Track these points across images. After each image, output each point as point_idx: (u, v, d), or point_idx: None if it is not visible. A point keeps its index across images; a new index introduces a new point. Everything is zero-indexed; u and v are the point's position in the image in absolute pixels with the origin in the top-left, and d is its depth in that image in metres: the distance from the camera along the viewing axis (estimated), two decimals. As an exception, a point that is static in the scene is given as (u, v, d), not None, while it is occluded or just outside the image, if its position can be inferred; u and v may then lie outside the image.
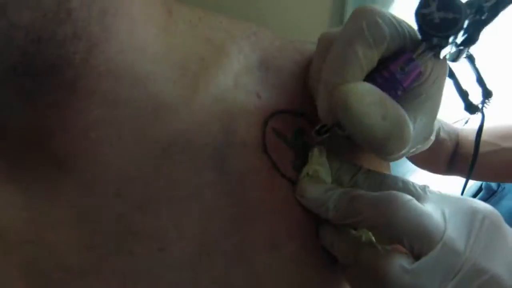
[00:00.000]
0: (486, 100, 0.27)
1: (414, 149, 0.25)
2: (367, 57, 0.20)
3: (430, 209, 0.21)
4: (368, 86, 0.19)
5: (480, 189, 1.36)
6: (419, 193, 0.23)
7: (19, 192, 0.19)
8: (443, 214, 0.21)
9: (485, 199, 1.30)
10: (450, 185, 1.38)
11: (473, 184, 1.37)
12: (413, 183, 0.24)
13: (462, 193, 0.49)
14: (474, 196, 1.39)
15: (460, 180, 1.37)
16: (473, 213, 0.21)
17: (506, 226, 0.22)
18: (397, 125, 0.19)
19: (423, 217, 0.20)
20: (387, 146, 0.20)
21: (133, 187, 0.20)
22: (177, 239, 0.20)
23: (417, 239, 0.20)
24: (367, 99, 0.19)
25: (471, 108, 0.28)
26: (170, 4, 0.23)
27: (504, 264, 0.20)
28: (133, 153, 0.20)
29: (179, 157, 0.21)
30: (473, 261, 0.19)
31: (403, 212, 0.20)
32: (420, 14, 0.21)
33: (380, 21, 0.20)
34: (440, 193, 0.23)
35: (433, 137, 0.27)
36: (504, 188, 1.24)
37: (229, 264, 0.21)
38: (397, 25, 0.21)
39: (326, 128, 0.23)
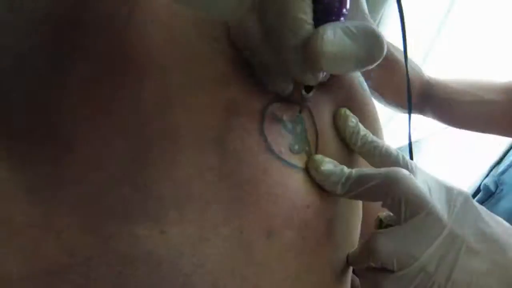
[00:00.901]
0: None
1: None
2: (306, 10, 0.20)
3: (420, 184, 0.25)
4: (327, 27, 0.20)
5: (478, 191, 1.36)
6: (412, 169, 0.28)
7: (25, 177, 0.19)
8: (429, 188, 0.26)
9: (483, 201, 1.30)
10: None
11: (472, 186, 1.37)
12: (408, 160, 0.28)
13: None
14: (473, 197, 1.39)
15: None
16: (450, 189, 0.27)
17: (474, 201, 0.27)
18: (366, 34, 0.21)
19: (419, 188, 0.25)
20: (374, 55, 0.21)
21: (137, 169, 0.20)
22: (178, 221, 0.21)
23: (412, 203, 0.24)
24: (332, 38, 0.20)
25: None
26: (173, 5, 0.24)
27: (473, 233, 0.25)
28: (137, 137, 0.21)
29: (184, 140, 0.22)
30: (450, 227, 0.25)
31: (406, 181, 0.25)
32: None
33: None
34: (424, 171, 0.28)
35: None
36: (502, 190, 1.23)
37: (229, 250, 0.22)
38: None
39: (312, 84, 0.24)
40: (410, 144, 0.45)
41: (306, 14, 0.20)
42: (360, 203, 0.32)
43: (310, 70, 0.22)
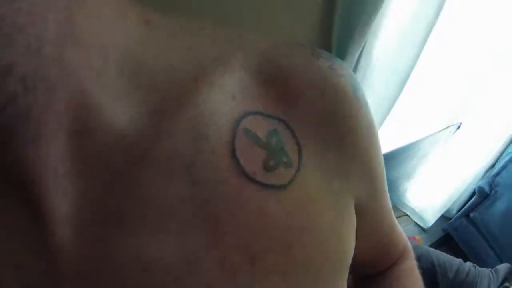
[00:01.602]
0: None
1: None
2: None
3: None
4: None
5: (473, 193, 1.38)
6: None
7: None
8: None
9: (478, 203, 1.32)
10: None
11: (466, 188, 1.39)
12: None
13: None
14: (468, 200, 1.41)
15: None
16: None
17: None
18: None
19: None
20: None
21: (108, 212, 0.20)
22: (159, 259, 0.20)
23: None
24: None
25: None
26: (149, 15, 0.23)
27: None
28: (103, 181, 0.20)
29: (149, 175, 0.20)
30: None
31: None
32: None
33: None
34: None
35: None
36: (497, 191, 1.25)
37: (214, 281, 0.21)
38: None
39: None
40: None
41: None
42: (351, 211, 0.30)
43: None
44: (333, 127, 0.26)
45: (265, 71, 0.25)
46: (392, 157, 1.09)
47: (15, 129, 0.17)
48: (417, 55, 0.60)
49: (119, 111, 0.20)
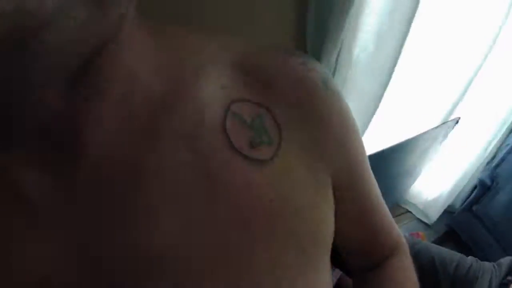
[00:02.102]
0: None
1: None
2: None
3: None
4: None
5: (475, 186, 1.36)
6: None
7: (26, 206, 0.23)
8: None
9: (480, 195, 1.30)
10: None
11: (468, 182, 1.37)
12: None
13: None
14: (471, 192, 1.39)
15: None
16: None
17: None
18: None
19: None
20: None
21: (126, 169, 0.24)
22: (167, 215, 0.24)
23: None
24: None
25: None
26: (156, 36, 0.27)
27: None
28: (128, 138, 0.24)
29: (164, 138, 0.25)
30: None
31: None
32: None
33: None
34: None
35: None
36: (498, 183, 1.24)
37: (213, 252, 0.25)
38: None
39: None
40: None
41: None
42: (329, 191, 0.33)
43: None
44: (306, 112, 0.30)
45: (248, 67, 0.30)
46: (391, 154, 1.08)
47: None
48: (398, 52, 0.60)
49: (149, 86, 0.25)
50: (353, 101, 0.63)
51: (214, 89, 0.27)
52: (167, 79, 0.26)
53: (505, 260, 0.90)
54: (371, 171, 0.38)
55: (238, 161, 0.26)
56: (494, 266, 0.88)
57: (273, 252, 0.26)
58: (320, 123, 0.31)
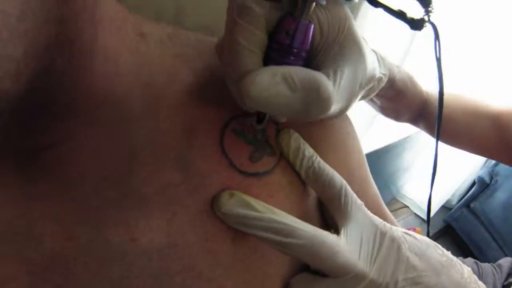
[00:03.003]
0: (428, 9, 0.24)
1: (361, 95, 0.25)
2: (253, 41, 0.20)
3: (348, 244, 0.25)
4: (265, 70, 0.19)
5: (473, 183, 1.36)
6: (351, 207, 0.27)
7: (16, 192, 0.22)
8: (361, 234, 0.26)
9: (478, 193, 1.31)
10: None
11: (466, 178, 1.38)
12: (351, 196, 0.27)
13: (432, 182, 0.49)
14: (468, 190, 1.40)
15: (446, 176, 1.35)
16: (382, 233, 0.27)
17: (404, 243, 0.27)
18: (310, 89, 0.20)
19: (345, 257, 0.25)
20: (311, 112, 0.20)
21: (109, 185, 0.22)
22: (147, 230, 0.22)
23: (337, 270, 0.24)
24: (267, 83, 0.19)
25: (416, 23, 0.24)
26: (142, 26, 0.25)
27: (394, 281, 0.26)
28: (108, 159, 0.22)
29: (148, 160, 0.23)
30: (371, 278, 0.25)
31: (330, 249, 0.24)
32: None
33: (247, 4, 0.20)
34: (362, 210, 0.27)
35: (381, 75, 0.28)
36: (497, 181, 1.24)
37: (195, 255, 0.23)
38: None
39: (263, 115, 0.25)
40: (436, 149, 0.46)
41: (248, 41, 0.20)
42: None
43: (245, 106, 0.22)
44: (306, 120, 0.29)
45: None
46: (390, 151, 1.08)
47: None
48: (405, 53, 0.58)
49: (125, 106, 0.23)
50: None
51: (212, 104, 0.25)
52: (149, 93, 0.24)
53: (505, 262, 0.90)
54: (369, 173, 0.37)
55: (238, 179, 0.25)
56: (494, 268, 0.88)
57: (268, 263, 0.26)
58: (320, 130, 0.30)
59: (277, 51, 0.21)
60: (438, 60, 0.35)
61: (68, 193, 0.22)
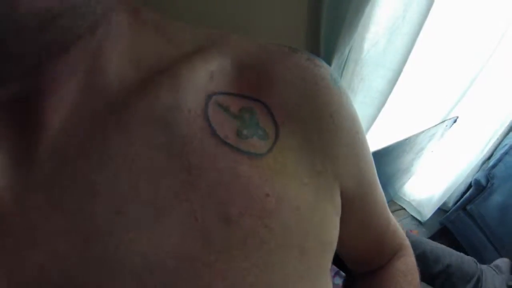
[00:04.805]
0: None
1: None
2: None
3: None
4: None
5: (470, 186, 1.37)
6: None
7: (12, 189, 0.20)
8: None
9: (475, 195, 1.31)
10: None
11: (463, 181, 1.38)
12: None
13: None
14: (465, 192, 1.40)
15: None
16: None
17: None
18: None
19: None
20: None
21: (92, 149, 0.21)
22: (133, 200, 0.21)
23: None
24: None
25: None
26: (137, 8, 0.25)
27: None
28: (94, 121, 0.22)
29: (131, 118, 0.22)
30: None
31: None
32: None
33: None
34: None
35: None
36: (493, 184, 1.25)
37: (185, 233, 0.21)
38: None
39: None
40: None
41: None
42: (336, 196, 0.30)
43: None
44: (314, 110, 0.27)
45: (245, 61, 0.27)
46: (389, 153, 1.08)
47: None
48: (409, 49, 0.58)
49: (119, 76, 0.23)
50: (361, 97, 0.61)
51: (201, 77, 0.25)
52: (141, 66, 0.24)
53: (502, 262, 0.91)
54: (376, 176, 0.36)
55: (223, 151, 0.23)
56: (493, 269, 0.88)
57: (268, 252, 0.23)
58: (330, 125, 0.28)
59: None
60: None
61: (53, 159, 0.21)
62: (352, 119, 0.31)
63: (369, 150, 0.34)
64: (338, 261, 0.50)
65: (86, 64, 0.22)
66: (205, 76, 0.25)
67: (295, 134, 0.27)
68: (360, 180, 0.32)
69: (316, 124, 0.28)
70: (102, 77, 0.23)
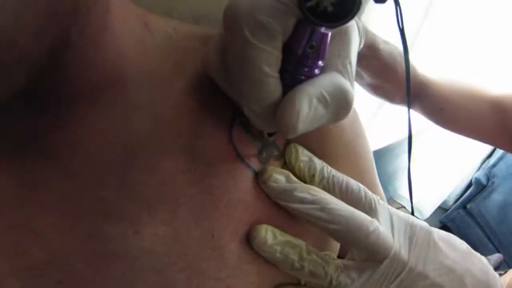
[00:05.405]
0: None
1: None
2: (274, 65, 0.19)
3: (383, 226, 0.25)
4: (302, 98, 0.18)
5: (470, 184, 1.37)
6: (376, 206, 0.26)
7: (10, 181, 0.20)
8: (392, 226, 0.26)
9: (475, 194, 1.31)
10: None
11: (463, 180, 1.38)
12: (371, 196, 0.27)
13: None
14: (465, 191, 1.40)
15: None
16: (413, 225, 0.27)
17: (435, 234, 0.27)
18: (339, 99, 0.20)
19: (382, 235, 0.24)
20: (339, 118, 0.21)
21: (113, 173, 0.21)
22: (150, 222, 0.21)
23: (375, 252, 0.24)
24: (307, 110, 0.18)
25: None
26: (146, 16, 0.25)
27: (433, 268, 0.25)
28: (113, 144, 0.21)
29: (155, 147, 0.22)
30: (410, 266, 0.25)
31: (365, 236, 0.24)
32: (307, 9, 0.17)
33: (261, 18, 0.18)
34: (387, 207, 0.27)
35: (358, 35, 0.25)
36: (494, 182, 1.25)
37: (201, 252, 0.22)
38: (280, 7, 0.18)
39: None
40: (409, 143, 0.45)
41: (270, 67, 0.18)
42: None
43: (274, 129, 0.22)
44: None
45: None
46: (388, 152, 1.08)
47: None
48: (409, 42, 0.58)
49: (132, 93, 0.22)
50: (357, 98, 0.61)
51: (217, 94, 0.24)
52: (156, 82, 0.23)
53: (493, 257, 0.91)
54: (377, 176, 0.37)
55: (245, 172, 0.24)
56: None
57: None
58: (331, 133, 0.29)
59: (294, 64, 0.19)
60: (401, 30, 0.35)
61: (70, 182, 0.21)
62: (352, 120, 0.31)
63: (369, 150, 0.34)
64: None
65: (96, 92, 0.21)
66: (223, 94, 0.24)
67: (299, 142, 0.27)
68: (361, 182, 0.33)
69: (318, 135, 0.28)
70: (115, 96, 0.22)
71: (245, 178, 0.24)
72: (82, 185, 0.21)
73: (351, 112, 0.31)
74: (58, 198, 0.21)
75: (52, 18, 0.15)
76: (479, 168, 1.35)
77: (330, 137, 0.29)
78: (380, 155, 1.03)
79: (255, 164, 0.25)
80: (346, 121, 0.30)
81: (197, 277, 0.22)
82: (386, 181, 1.33)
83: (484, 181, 1.27)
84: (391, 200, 1.63)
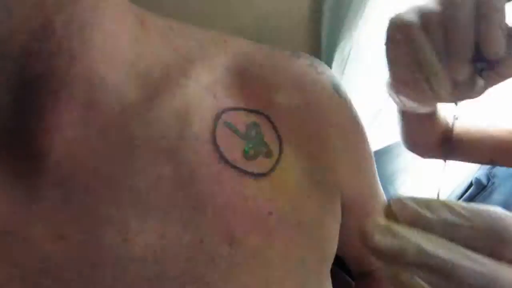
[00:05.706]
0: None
1: None
2: None
3: None
4: None
5: (470, 185, 1.37)
6: None
7: (2, 188, 0.20)
8: None
9: (475, 194, 1.31)
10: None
11: (464, 180, 1.38)
12: None
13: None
14: (465, 191, 1.40)
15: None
16: None
17: None
18: None
19: None
20: None
21: (101, 179, 0.21)
22: (139, 230, 0.21)
23: None
24: None
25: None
26: (143, 15, 0.25)
27: None
28: (100, 150, 0.22)
29: (139, 151, 0.22)
30: None
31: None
32: None
33: None
34: None
35: None
36: (494, 183, 1.24)
37: (191, 258, 0.22)
38: None
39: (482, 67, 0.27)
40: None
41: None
42: (336, 203, 0.30)
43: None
44: (315, 120, 0.28)
45: (248, 70, 0.27)
46: (388, 152, 1.08)
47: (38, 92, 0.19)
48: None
49: (120, 93, 0.22)
50: (362, 93, 0.61)
51: (206, 96, 0.25)
52: (145, 83, 0.23)
53: None
54: (378, 178, 0.37)
55: (231, 175, 0.24)
56: None
57: (270, 267, 0.24)
58: (331, 133, 0.29)
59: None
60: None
61: (60, 189, 0.21)
62: (354, 128, 0.31)
63: (370, 150, 0.34)
64: (338, 261, 0.50)
65: (83, 88, 0.21)
66: (211, 92, 0.25)
67: (297, 146, 0.27)
68: (361, 186, 0.33)
69: (318, 135, 0.28)
70: (100, 103, 0.22)
71: (232, 180, 0.24)
72: (69, 192, 0.21)
73: (352, 112, 0.31)
74: (48, 206, 0.21)
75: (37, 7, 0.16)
76: (479, 168, 1.35)
77: (331, 137, 0.29)
78: (380, 155, 1.03)
79: (241, 163, 0.24)
80: (346, 121, 0.30)
81: (191, 283, 0.22)
82: (386, 181, 1.33)
83: (484, 181, 1.27)
84: (391, 201, 1.63)
